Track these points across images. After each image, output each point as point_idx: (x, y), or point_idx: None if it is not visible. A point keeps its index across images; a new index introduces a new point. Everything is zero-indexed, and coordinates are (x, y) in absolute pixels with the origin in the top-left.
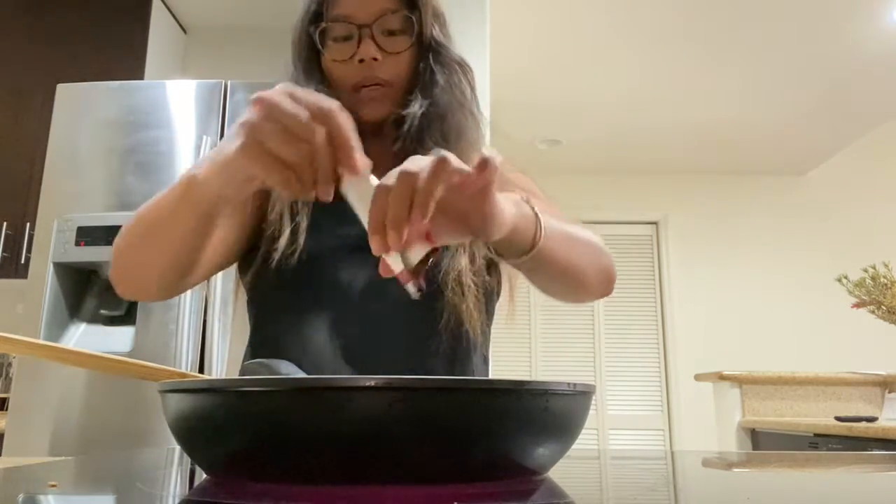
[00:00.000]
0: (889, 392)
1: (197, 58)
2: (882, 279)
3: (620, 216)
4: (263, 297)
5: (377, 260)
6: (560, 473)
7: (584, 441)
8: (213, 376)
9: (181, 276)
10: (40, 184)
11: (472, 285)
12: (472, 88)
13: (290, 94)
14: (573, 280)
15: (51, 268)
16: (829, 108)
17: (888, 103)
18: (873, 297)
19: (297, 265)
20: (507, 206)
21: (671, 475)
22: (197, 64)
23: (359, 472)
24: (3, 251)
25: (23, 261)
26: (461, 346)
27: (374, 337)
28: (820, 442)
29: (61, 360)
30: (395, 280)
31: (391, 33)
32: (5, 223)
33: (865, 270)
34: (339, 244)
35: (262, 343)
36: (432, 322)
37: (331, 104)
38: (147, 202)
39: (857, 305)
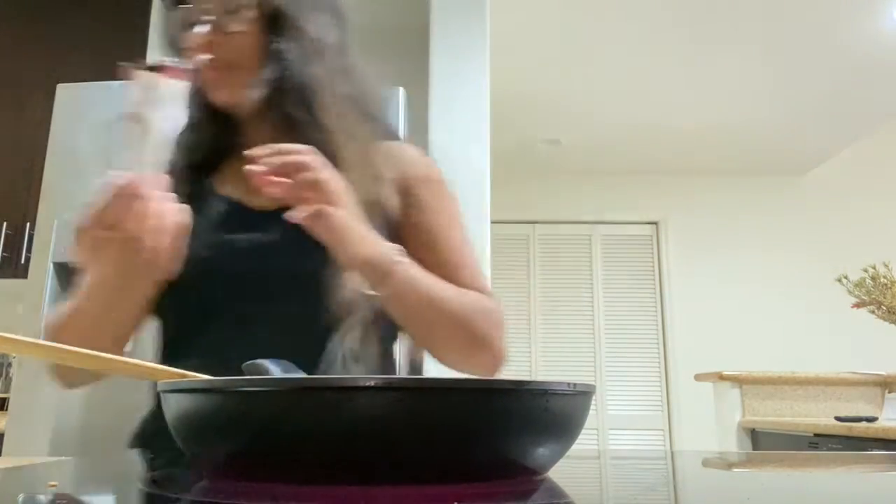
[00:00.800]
0: (889, 392)
1: None
2: (882, 279)
3: (620, 216)
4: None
5: (261, 262)
6: (560, 473)
7: (584, 441)
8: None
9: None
10: (40, 184)
11: (356, 299)
12: (342, 62)
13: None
14: (426, 337)
15: (51, 268)
16: (829, 108)
17: (888, 103)
18: (873, 297)
19: (182, 273)
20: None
21: (671, 475)
22: None
23: (359, 472)
24: (3, 251)
25: (23, 261)
26: (345, 359)
27: (249, 347)
28: (820, 442)
29: (61, 359)
30: (273, 287)
31: (232, 12)
32: (5, 223)
33: (865, 270)
34: (218, 251)
35: (162, 347)
36: (310, 331)
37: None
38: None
39: (857, 305)
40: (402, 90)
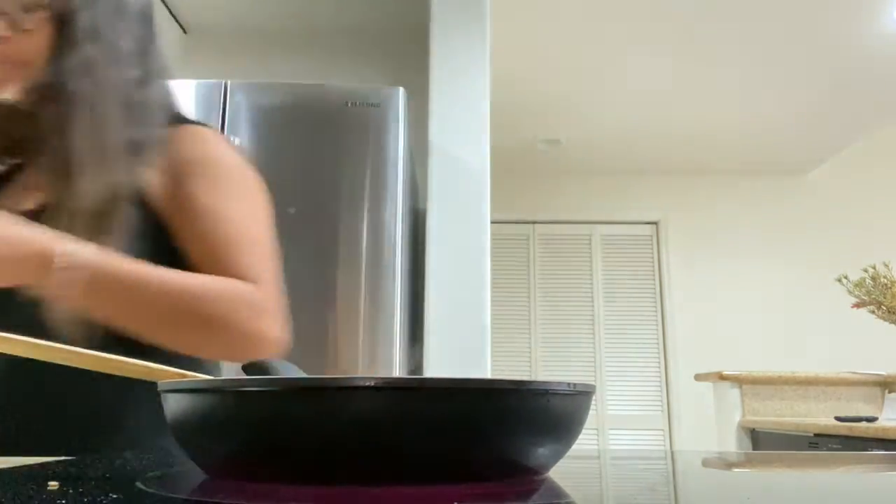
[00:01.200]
0: (889, 392)
1: (197, 58)
2: (882, 279)
3: (620, 216)
4: None
5: None
6: (560, 473)
7: (584, 441)
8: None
9: None
10: None
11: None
12: (136, 70)
13: None
14: (147, 334)
15: None
16: (829, 109)
17: (888, 103)
18: (873, 297)
19: None
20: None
21: (671, 475)
22: (197, 64)
23: (358, 472)
24: None
25: None
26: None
27: None
28: (820, 442)
29: (62, 360)
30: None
31: (27, 10)
32: None
33: (865, 270)
34: None
35: None
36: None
37: None
38: None
39: (857, 305)
40: (401, 90)
